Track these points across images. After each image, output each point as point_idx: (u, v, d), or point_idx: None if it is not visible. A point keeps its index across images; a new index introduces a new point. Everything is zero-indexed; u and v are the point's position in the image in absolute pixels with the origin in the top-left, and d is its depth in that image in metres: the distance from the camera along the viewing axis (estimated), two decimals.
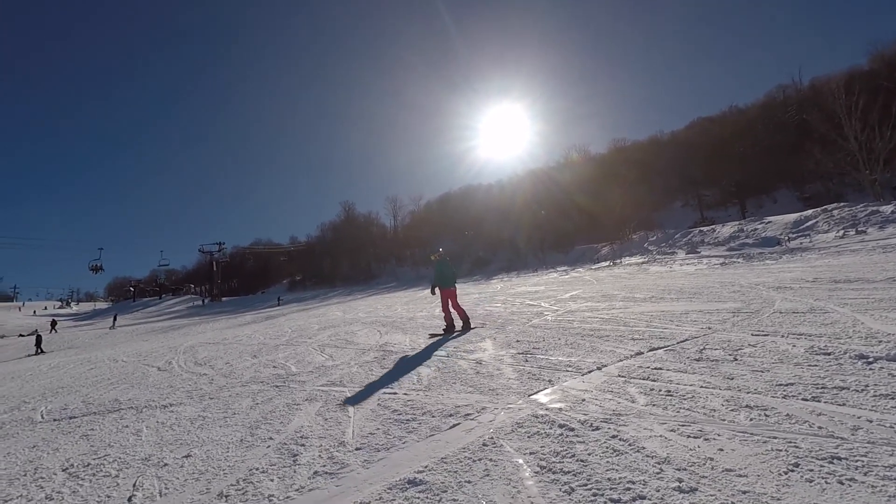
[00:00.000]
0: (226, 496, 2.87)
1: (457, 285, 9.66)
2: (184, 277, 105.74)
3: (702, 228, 35.74)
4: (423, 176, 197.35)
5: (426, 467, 2.89)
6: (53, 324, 43.60)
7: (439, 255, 9.76)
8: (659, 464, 2.58)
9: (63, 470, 3.80)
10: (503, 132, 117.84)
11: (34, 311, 78.49)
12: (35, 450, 4.63)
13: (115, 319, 45.72)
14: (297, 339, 11.90)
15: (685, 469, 2.49)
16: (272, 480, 3.03)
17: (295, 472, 3.12)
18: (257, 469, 3.26)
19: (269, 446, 3.72)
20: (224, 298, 66.30)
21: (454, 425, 3.65)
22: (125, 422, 5.27)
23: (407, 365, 6.36)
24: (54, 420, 6.08)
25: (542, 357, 5.72)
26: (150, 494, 3.07)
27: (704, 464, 2.52)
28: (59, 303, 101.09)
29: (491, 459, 2.89)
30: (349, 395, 5.07)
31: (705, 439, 2.81)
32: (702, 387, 3.80)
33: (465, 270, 53.78)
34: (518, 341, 7.11)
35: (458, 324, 9.46)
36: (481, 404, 4.09)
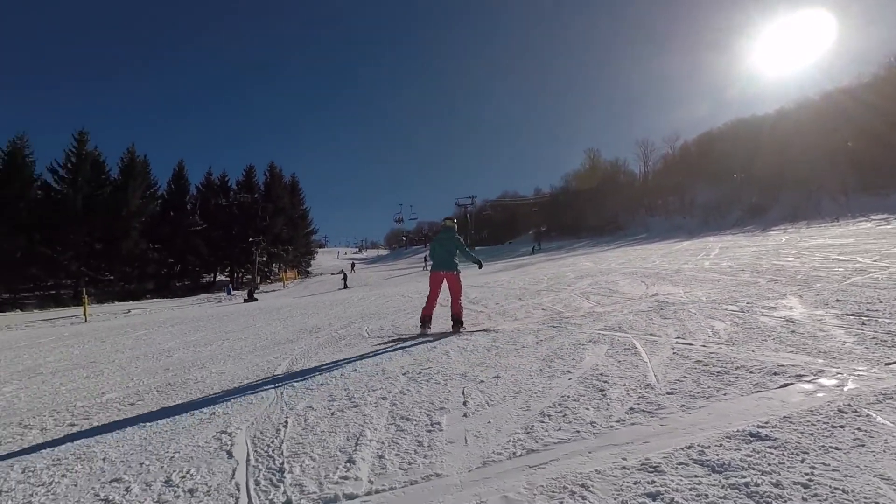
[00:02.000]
0: (547, 416, 3.07)
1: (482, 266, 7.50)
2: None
3: None
4: (677, 114, 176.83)
5: (766, 423, 2.58)
6: (353, 266, 54.41)
7: (450, 222, 7.43)
8: None
9: (402, 374, 4.66)
10: (787, 46, 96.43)
11: (337, 255, 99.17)
12: (373, 357, 5.80)
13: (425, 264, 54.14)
14: (556, 285, 12.16)
15: None
16: (587, 409, 3.11)
17: (608, 405, 3.15)
18: (568, 397, 3.40)
19: (570, 378, 3.85)
20: (476, 248, 72.57)
21: (784, 385, 3.17)
22: (431, 344, 6.17)
23: (691, 317, 5.86)
24: (377, 337, 7.52)
25: (887, 321, 4.57)
26: (479, 403, 3.50)
27: None
28: (356, 249, 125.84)
29: (860, 429, 2.40)
30: (636, 341, 4.91)
31: None
32: None
33: (733, 220, 47.09)
34: (839, 301, 5.84)
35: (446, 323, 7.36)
36: (813, 367, 3.47)
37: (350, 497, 2.29)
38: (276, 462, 2.81)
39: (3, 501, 2.72)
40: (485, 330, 6.80)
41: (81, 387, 6.26)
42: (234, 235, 45.34)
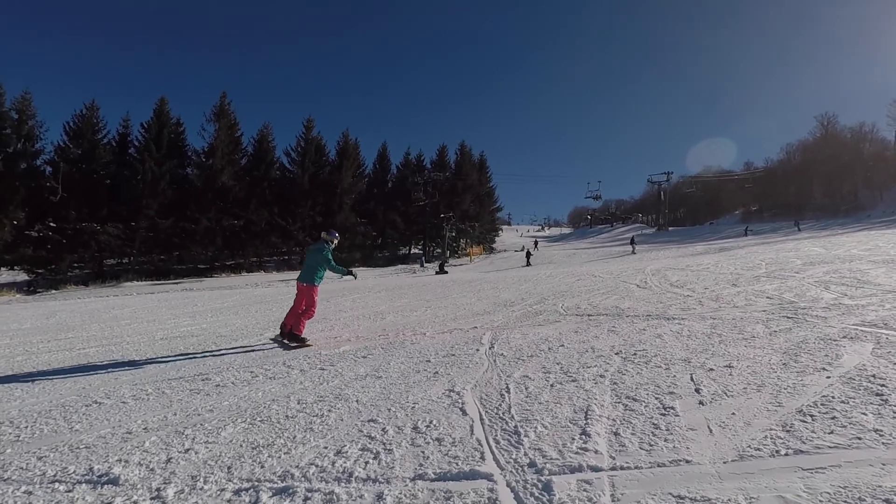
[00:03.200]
0: (809, 416, 2.69)
1: None
2: (632, 207, 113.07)
3: None
4: None
5: None
6: (535, 243, 54.64)
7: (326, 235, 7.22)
8: None
9: (615, 353, 4.53)
10: None
11: (520, 233, 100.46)
12: (578, 334, 5.75)
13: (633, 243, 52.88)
14: (778, 272, 10.56)
15: None
16: (864, 414, 2.64)
17: (895, 412, 2.63)
18: (832, 398, 2.93)
19: (829, 377, 3.31)
20: (670, 228, 66.70)
21: None
22: (641, 325, 5.87)
23: None
24: (575, 315, 7.43)
25: None
26: (715, 392, 3.23)
27: None
28: (538, 227, 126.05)
29: None
30: None
31: None
32: None
33: None
34: None
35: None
36: None
37: (595, 469, 2.30)
38: (510, 425, 2.97)
39: (292, 424, 3.36)
40: (699, 316, 6.22)
41: (321, 338, 7.43)
42: (428, 211, 49.10)
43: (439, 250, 51.34)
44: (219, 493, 2.23)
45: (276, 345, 6.93)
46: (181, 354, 6.67)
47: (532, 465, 2.40)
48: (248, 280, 32.05)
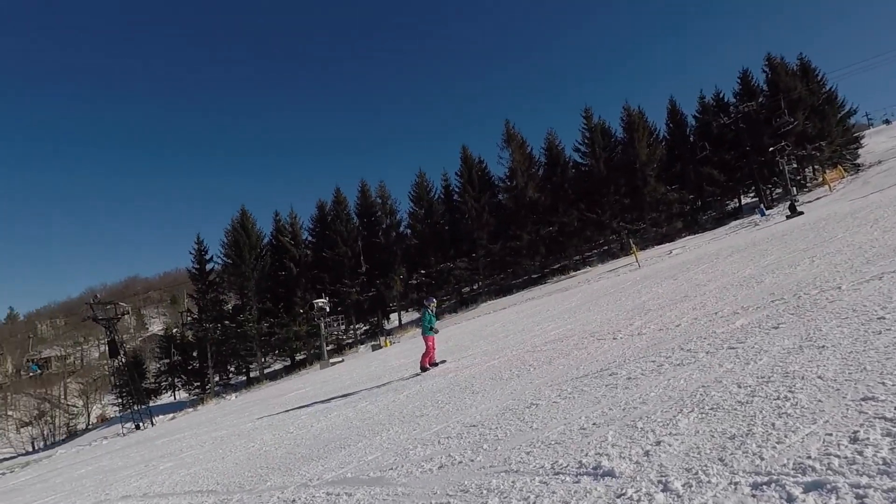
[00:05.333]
0: None
1: None
2: None
3: None
4: None
5: None
6: None
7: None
8: None
9: None
10: None
11: None
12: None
13: None
14: None
15: None
16: None
17: None
18: None
19: None
20: None
21: None
22: None
23: None
24: None
25: None
26: None
27: None
28: None
29: None
30: None
31: None
32: None
33: None
34: None
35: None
36: None
37: None
38: None
39: (754, 410, 3.04)
40: None
41: (703, 312, 6.86)
42: (749, 151, 41.68)
43: (779, 191, 42.76)
44: (731, 487, 2.09)
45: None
46: (565, 354, 7.15)
47: None
48: (579, 279, 33.17)
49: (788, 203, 28.99)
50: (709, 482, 2.18)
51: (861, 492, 1.79)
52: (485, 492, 2.91)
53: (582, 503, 2.37)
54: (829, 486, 1.87)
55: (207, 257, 44.99)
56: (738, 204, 46.94)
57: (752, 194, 46.68)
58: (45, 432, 56.99)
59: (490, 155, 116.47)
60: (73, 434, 52.72)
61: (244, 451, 7.66)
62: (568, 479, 2.70)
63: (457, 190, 46.22)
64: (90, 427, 53.87)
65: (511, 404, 5.09)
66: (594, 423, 3.58)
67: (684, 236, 39.93)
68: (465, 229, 44.05)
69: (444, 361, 10.68)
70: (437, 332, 10.67)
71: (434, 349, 10.48)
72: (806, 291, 6.11)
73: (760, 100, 44.49)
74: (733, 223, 37.10)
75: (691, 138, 47.58)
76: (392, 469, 4.08)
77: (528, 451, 3.42)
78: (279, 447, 7.01)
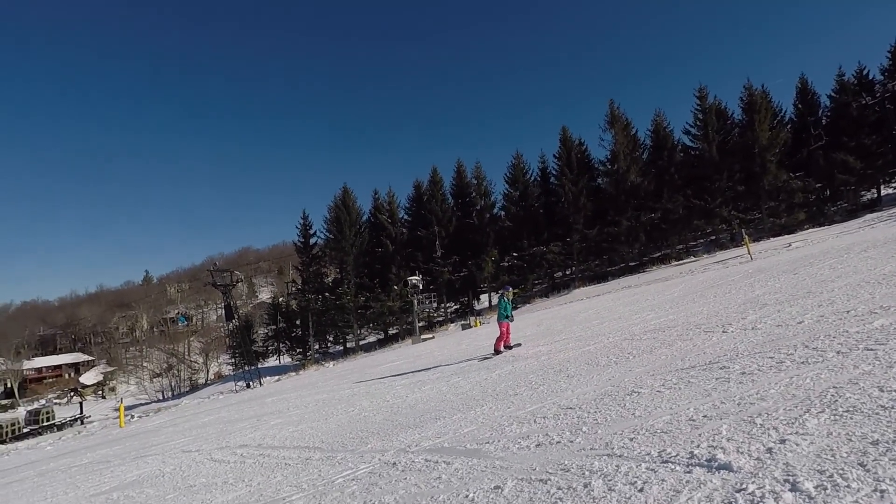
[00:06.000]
0: None
1: None
2: None
3: None
4: None
5: None
6: None
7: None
8: None
9: None
10: None
11: None
12: None
13: None
14: None
15: None
16: None
17: None
18: None
19: None
20: None
21: None
22: None
23: None
24: None
25: None
26: None
27: None
28: None
29: None
30: None
31: None
32: None
33: None
34: None
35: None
36: None
37: None
38: None
39: None
40: None
41: (830, 310, 6.19)
42: (895, 135, 36.29)
43: None
44: (877, 494, 1.89)
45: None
46: (668, 344, 6.79)
47: None
48: (681, 269, 31.18)
49: None
50: (847, 487, 1.99)
51: None
52: (587, 473, 2.88)
53: (695, 494, 2.27)
54: None
55: (311, 232, 48.17)
56: (876, 195, 41.32)
57: (895, 184, 40.87)
58: (173, 384, 64.82)
59: (591, 137, 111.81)
60: (195, 387, 59.46)
61: (345, 414, 8.18)
62: (678, 468, 2.59)
63: (554, 172, 45.08)
64: (209, 382, 60.40)
65: (610, 390, 4.96)
66: (704, 416, 3.38)
67: (807, 228, 35.98)
68: (560, 213, 42.95)
69: (518, 345, 10.91)
70: (512, 319, 10.94)
71: (509, 335, 10.85)
72: None
73: None
74: (869, 216, 32.76)
75: (824, 120, 42.40)
76: (489, 443, 4.16)
77: (632, 437, 3.32)
78: (377, 413, 7.41)
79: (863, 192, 41.78)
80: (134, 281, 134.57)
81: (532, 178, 46.19)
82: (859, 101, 39.01)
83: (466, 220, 45.77)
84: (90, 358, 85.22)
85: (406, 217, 48.32)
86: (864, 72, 41.58)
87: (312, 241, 48.27)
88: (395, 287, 41.31)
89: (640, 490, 2.45)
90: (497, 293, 44.86)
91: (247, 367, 42.00)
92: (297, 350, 50.49)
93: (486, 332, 19.68)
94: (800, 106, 43.49)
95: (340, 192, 46.76)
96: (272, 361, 54.21)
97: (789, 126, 42.61)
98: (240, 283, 57.38)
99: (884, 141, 38.12)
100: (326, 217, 46.52)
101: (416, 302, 34.92)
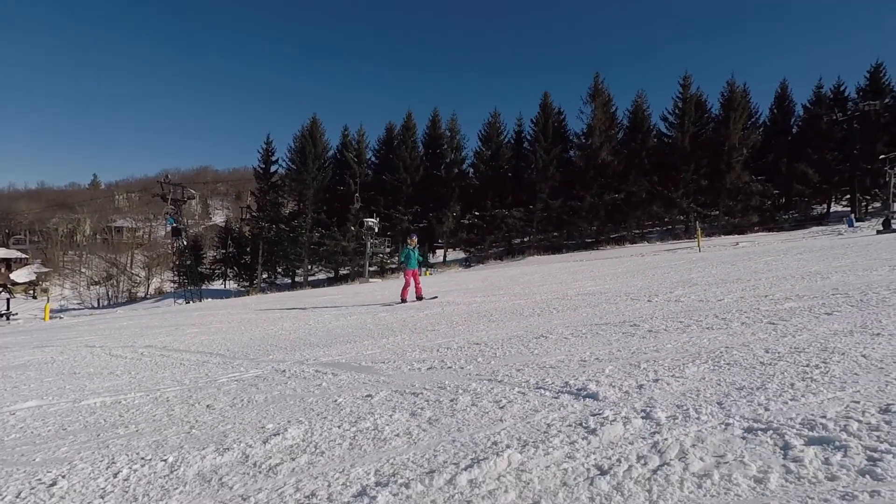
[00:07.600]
0: None
1: None
2: None
3: None
4: None
5: None
6: None
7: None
8: None
9: None
10: None
11: None
12: None
13: None
14: None
15: None
16: None
17: None
18: None
19: None
20: None
21: None
22: None
23: None
24: None
25: None
26: None
27: None
28: None
29: None
30: None
31: None
32: None
33: None
34: None
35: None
36: None
37: None
38: None
39: (775, 370, 2.71)
40: None
41: (752, 294, 6.33)
42: (856, 154, 37.53)
43: (877, 204, 38.75)
44: (721, 426, 1.83)
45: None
46: (593, 305, 6.85)
47: None
48: (633, 251, 31.94)
49: (884, 218, 26.27)
50: (697, 419, 1.93)
51: (876, 455, 1.49)
52: (460, 391, 2.78)
53: (552, 415, 2.18)
54: (837, 444, 1.58)
55: (274, 159, 46.35)
56: (825, 209, 43.11)
57: (845, 202, 42.66)
58: (110, 293, 62.80)
59: (572, 110, 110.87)
60: (132, 300, 57.82)
61: (262, 331, 7.97)
62: (548, 393, 2.52)
63: (528, 138, 44.53)
64: (148, 297, 58.82)
65: (521, 334, 4.92)
66: (597, 358, 3.34)
67: (757, 231, 37.34)
68: (528, 179, 42.76)
69: (434, 297, 10.79)
70: (423, 272, 10.69)
71: (419, 284, 10.85)
72: (875, 290, 5.45)
73: (887, 101, 39.47)
74: (815, 228, 34.25)
75: (794, 129, 43.37)
76: (384, 363, 4.05)
77: (520, 368, 3.25)
78: (293, 333, 7.23)
79: (814, 206, 43.51)
80: (80, 183, 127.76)
81: (506, 140, 45.37)
82: (830, 117, 39.99)
83: (434, 172, 44.99)
84: (23, 255, 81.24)
85: (374, 159, 47.08)
86: (842, 88, 42.39)
87: (273, 168, 46.52)
88: (353, 228, 40.66)
89: (502, 407, 2.37)
90: (466, 249, 44.84)
91: (190, 287, 41.06)
92: (244, 277, 49.52)
93: (432, 281, 19.66)
94: (775, 111, 44.21)
95: (308, 123, 44.95)
96: (217, 285, 53.14)
97: (762, 129, 43.39)
98: (192, 201, 55.07)
99: (844, 159, 39.42)
100: (291, 146, 44.83)
101: (369, 244, 34.52)
